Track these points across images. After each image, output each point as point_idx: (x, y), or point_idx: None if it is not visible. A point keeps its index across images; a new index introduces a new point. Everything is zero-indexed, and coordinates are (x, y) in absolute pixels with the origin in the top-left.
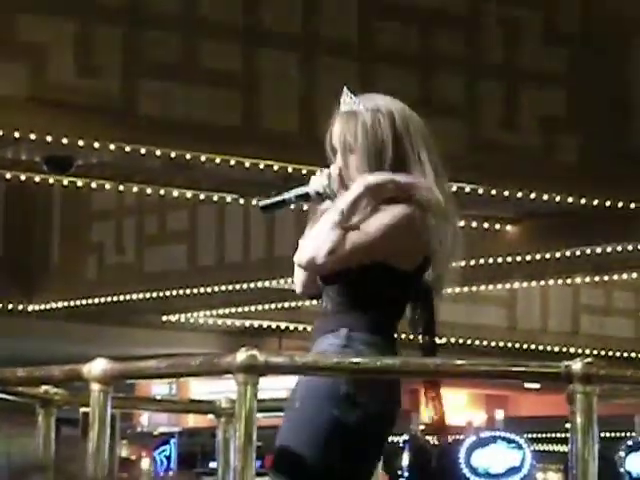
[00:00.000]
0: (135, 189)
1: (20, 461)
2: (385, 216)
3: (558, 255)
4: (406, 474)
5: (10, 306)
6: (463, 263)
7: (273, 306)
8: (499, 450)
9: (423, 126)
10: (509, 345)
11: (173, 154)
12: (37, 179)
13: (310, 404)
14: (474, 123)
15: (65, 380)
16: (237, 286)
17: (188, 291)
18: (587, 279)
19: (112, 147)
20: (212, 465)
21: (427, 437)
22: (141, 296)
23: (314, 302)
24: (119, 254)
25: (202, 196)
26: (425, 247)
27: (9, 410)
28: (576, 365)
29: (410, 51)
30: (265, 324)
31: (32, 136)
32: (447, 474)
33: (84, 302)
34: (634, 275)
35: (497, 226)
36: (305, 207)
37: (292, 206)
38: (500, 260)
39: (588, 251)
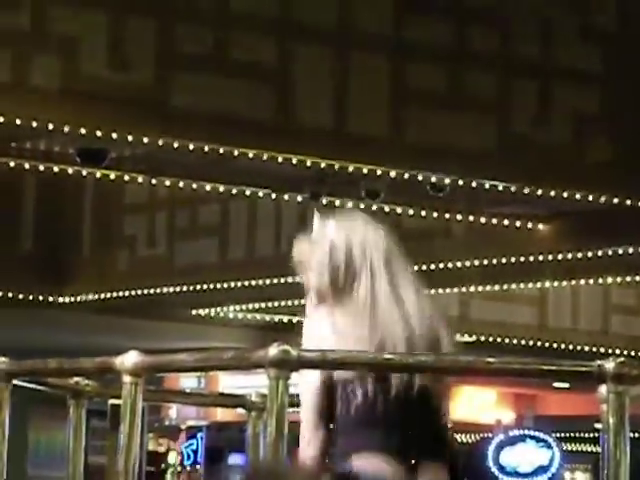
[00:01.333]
0: (167, 182)
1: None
2: None
3: (590, 254)
4: None
5: (41, 298)
6: (495, 261)
7: (303, 301)
8: (528, 449)
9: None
10: (539, 344)
11: (206, 148)
12: (70, 171)
13: None
14: (506, 120)
15: (97, 372)
16: (267, 281)
17: (218, 285)
18: (618, 279)
19: (145, 140)
20: (238, 459)
21: (455, 435)
22: (172, 289)
23: None
24: (150, 247)
25: (234, 190)
26: None
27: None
28: (609, 364)
29: (442, 47)
30: (295, 319)
31: (65, 128)
32: (475, 472)
33: (115, 295)
34: None
35: (529, 224)
36: (337, 203)
37: None
38: (532, 259)
39: (620, 251)
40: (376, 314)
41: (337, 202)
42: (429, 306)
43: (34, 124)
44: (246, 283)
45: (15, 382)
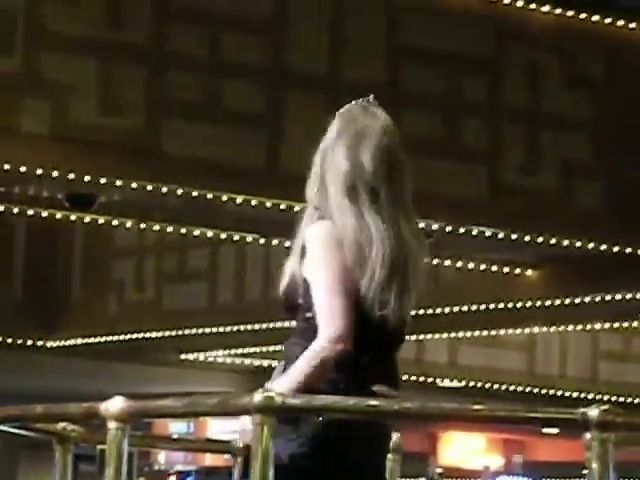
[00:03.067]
0: (156, 227)
1: None
2: None
3: (578, 301)
4: None
5: (30, 342)
6: (483, 307)
7: None
8: None
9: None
10: (527, 390)
11: (195, 193)
12: (59, 216)
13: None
14: (495, 167)
15: (83, 417)
16: (256, 326)
17: (207, 330)
18: (606, 325)
19: (134, 185)
20: None
21: None
22: (160, 334)
23: None
24: (139, 292)
25: (223, 235)
26: None
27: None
28: (593, 412)
29: (434, 94)
30: None
31: (54, 173)
32: None
33: (103, 339)
34: None
35: (517, 270)
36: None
37: None
38: (520, 304)
39: (608, 297)
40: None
41: None
42: (409, 231)
43: (23, 169)
44: (235, 328)
45: (2, 428)
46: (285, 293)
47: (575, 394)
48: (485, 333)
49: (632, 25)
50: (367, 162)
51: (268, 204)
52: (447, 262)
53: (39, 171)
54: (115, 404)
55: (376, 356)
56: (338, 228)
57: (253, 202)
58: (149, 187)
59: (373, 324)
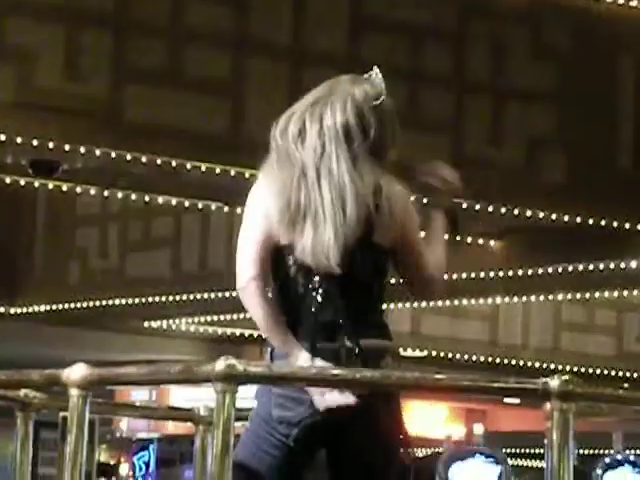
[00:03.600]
0: (120, 195)
1: None
2: None
3: (540, 271)
4: None
5: None
6: (446, 277)
7: None
8: (477, 464)
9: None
10: (490, 360)
11: (159, 161)
12: (22, 182)
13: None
14: (459, 139)
15: (44, 384)
16: (219, 294)
17: (170, 298)
18: (569, 296)
19: (98, 152)
20: (190, 472)
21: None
22: (123, 301)
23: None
24: (102, 259)
25: (187, 203)
26: None
27: None
28: (553, 382)
29: (397, 66)
30: (247, 333)
31: (18, 139)
32: None
33: (66, 306)
34: (615, 293)
35: (480, 241)
36: None
37: None
38: (482, 275)
39: (570, 268)
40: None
41: None
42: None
43: None
44: (198, 296)
45: None
46: None
47: (537, 364)
48: (448, 303)
49: None
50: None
51: (232, 172)
52: None
53: (2, 137)
54: (77, 371)
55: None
56: None
57: (217, 170)
58: (113, 154)
59: None
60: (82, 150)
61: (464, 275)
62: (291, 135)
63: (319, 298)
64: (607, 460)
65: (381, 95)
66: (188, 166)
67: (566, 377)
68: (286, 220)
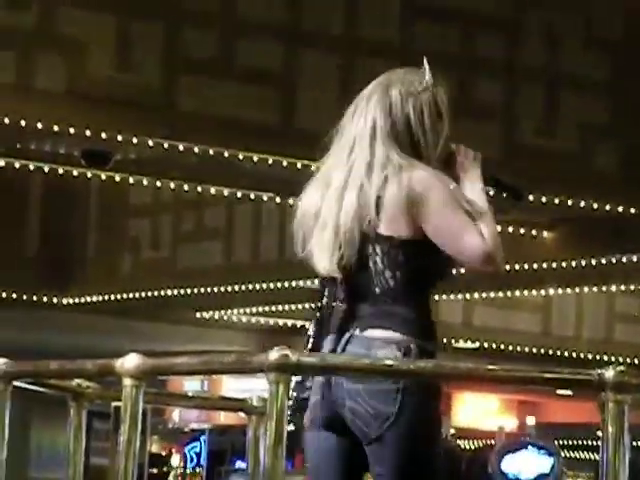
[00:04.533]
0: (172, 185)
1: None
2: None
3: (594, 262)
4: None
5: (45, 299)
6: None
7: (307, 305)
8: (529, 456)
9: None
10: (542, 351)
11: (211, 151)
12: (75, 173)
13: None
14: (513, 128)
15: (98, 374)
16: (271, 285)
17: (222, 288)
18: (622, 287)
19: (150, 143)
20: (241, 463)
21: (458, 441)
22: (175, 292)
23: None
24: (154, 250)
25: (239, 194)
26: None
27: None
28: (609, 373)
29: (450, 54)
30: (299, 323)
31: (71, 130)
32: (477, 479)
33: (119, 296)
34: None
35: (534, 232)
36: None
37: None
38: (536, 266)
39: (624, 259)
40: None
41: None
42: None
43: (39, 125)
44: (250, 286)
45: (16, 383)
46: None
47: (590, 356)
48: (500, 294)
49: None
50: None
51: (284, 163)
52: None
53: (55, 128)
54: (130, 361)
55: None
56: None
57: (270, 160)
58: (165, 145)
59: None
60: (135, 140)
61: (517, 266)
62: (334, 133)
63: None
64: None
65: (427, 85)
66: (240, 156)
67: (621, 368)
68: None
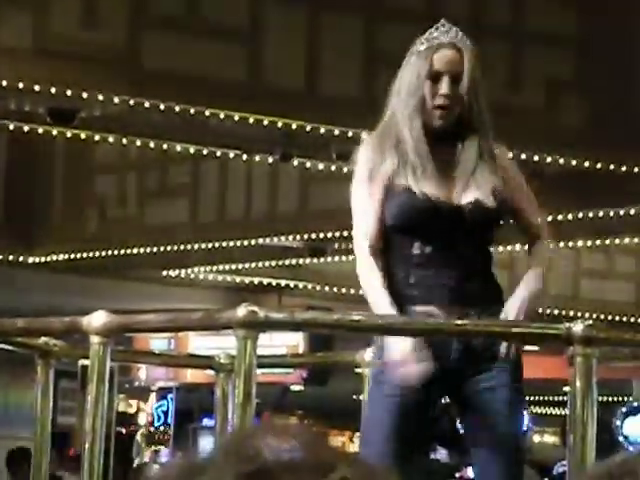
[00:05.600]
0: (138, 143)
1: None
2: None
3: (560, 218)
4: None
5: (10, 257)
6: None
7: (273, 263)
8: None
9: None
10: None
11: (177, 108)
12: (40, 130)
13: None
14: None
15: (65, 332)
16: (238, 243)
17: (189, 246)
18: (588, 243)
19: (116, 100)
20: (209, 421)
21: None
22: (142, 250)
23: (318, 260)
24: (121, 208)
25: (205, 151)
26: None
27: (10, 360)
28: (577, 327)
29: (416, 10)
30: (265, 281)
31: (36, 87)
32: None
33: (85, 255)
34: (635, 240)
35: None
36: (308, 164)
37: None
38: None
39: (590, 214)
40: None
41: (308, 164)
42: None
43: (4, 83)
44: (216, 244)
45: None
46: (498, 207)
47: (556, 311)
48: None
49: None
50: None
51: (251, 120)
52: None
53: (20, 85)
54: (98, 318)
55: None
56: None
57: (236, 117)
58: (131, 102)
59: None
60: (100, 97)
61: None
62: None
63: None
64: (627, 407)
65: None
66: (206, 113)
67: (589, 322)
68: None
